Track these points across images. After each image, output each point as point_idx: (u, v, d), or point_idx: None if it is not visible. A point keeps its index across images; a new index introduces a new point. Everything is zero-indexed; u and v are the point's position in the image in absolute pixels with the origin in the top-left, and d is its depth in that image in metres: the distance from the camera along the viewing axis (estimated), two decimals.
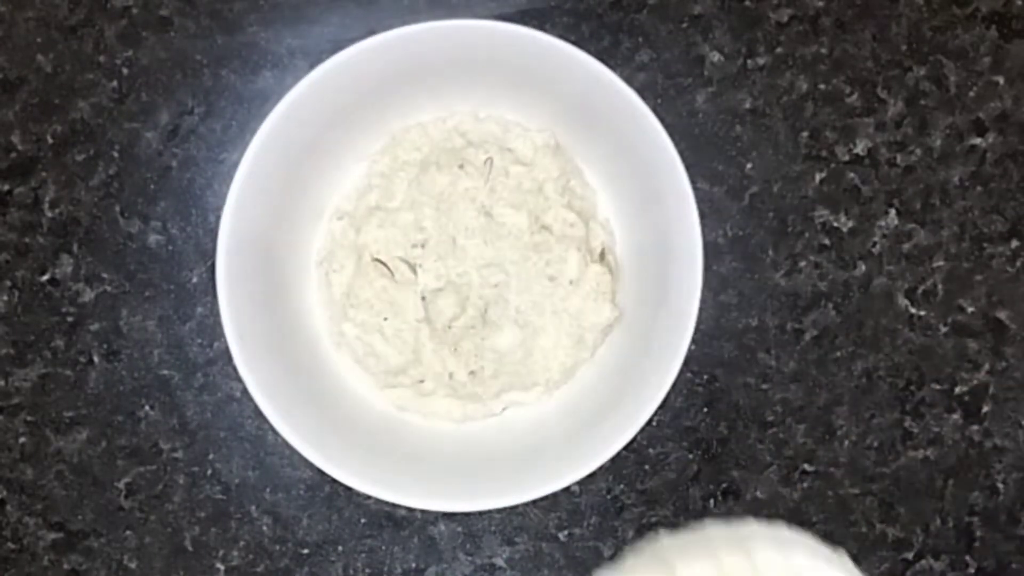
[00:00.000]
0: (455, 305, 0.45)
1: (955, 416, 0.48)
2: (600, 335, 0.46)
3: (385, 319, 0.45)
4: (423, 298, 0.45)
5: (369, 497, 0.44)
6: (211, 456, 0.48)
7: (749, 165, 0.48)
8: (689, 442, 0.48)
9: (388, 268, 0.45)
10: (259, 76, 0.49)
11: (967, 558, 0.48)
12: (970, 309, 0.49)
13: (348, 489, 0.43)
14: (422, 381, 0.46)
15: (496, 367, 0.46)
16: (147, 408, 0.48)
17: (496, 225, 0.45)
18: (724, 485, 0.48)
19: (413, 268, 0.45)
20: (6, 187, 0.48)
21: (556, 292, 0.45)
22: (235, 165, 0.42)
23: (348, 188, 0.47)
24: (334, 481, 0.42)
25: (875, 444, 0.48)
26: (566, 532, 0.48)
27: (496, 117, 0.47)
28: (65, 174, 0.49)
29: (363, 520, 0.48)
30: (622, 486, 0.48)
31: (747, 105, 0.48)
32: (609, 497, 0.48)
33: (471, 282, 0.45)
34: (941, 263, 0.48)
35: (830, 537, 0.48)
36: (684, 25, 0.48)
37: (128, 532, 0.48)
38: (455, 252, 0.45)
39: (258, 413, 0.42)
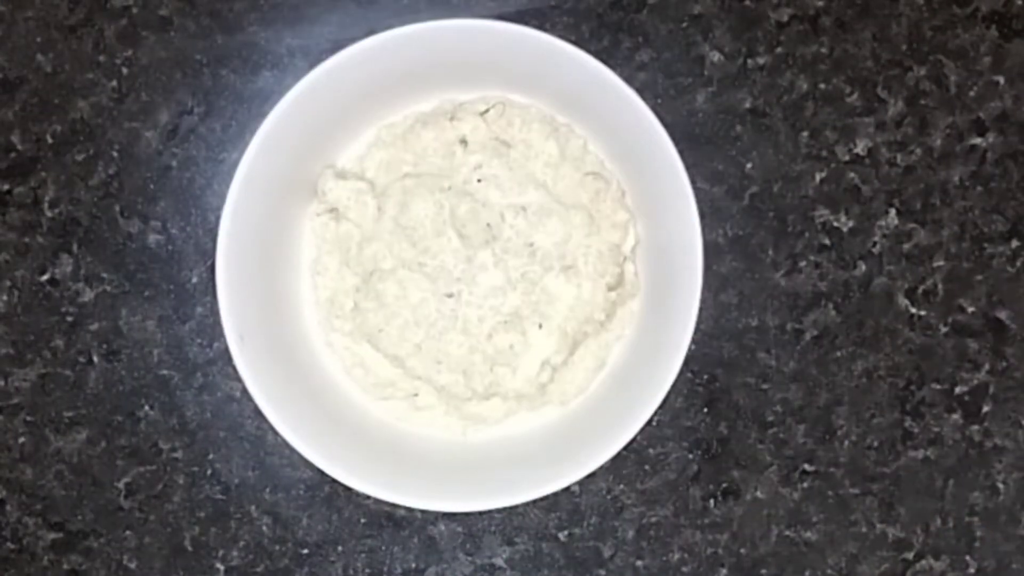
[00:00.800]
0: (456, 315, 0.44)
1: (955, 416, 0.48)
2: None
3: (380, 330, 0.45)
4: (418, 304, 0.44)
5: (369, 497, 0.44)
6: (211, 456, 0.48)
7: (749, 165, 0.48)
8: (689, 442, 0.48)
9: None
10: (259, 76, 0.49)
11: (967, 558, 0.48)
12: (970, 309, 0.49)
13: (348, 489, 0.43)
14: (416, 395, 0.46)
15: (506, 388, 0.45)
16: (147, 408, 0.48)
17: (503, 237, 0.44)
18: (724, 485, 0.48)
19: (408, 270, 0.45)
20: (6, 187, 0.48)
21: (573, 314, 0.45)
22: (235, 165, 0.42)
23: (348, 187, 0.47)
24: (334, 481, 0.42)
25: (875, 444, 0.48)
26: (566, 532, 0.48)
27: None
28: (65, 174, 0.49)
29: (363, 520, 0.48)
30: (622, 486, 0.48)
31: (747, 105, 0.48)
32: (609, 497, 0.48)
33: (475, 292, 0.44)
34: (941, 263, 0.48)
35: (830, 537, 0.48)
36: (684, 25, 0.48)
37: (128, 532, 0.48)
38: (454, 255, 0.45)
39: (258, 413, 0.42)
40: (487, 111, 0.45)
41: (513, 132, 0.45)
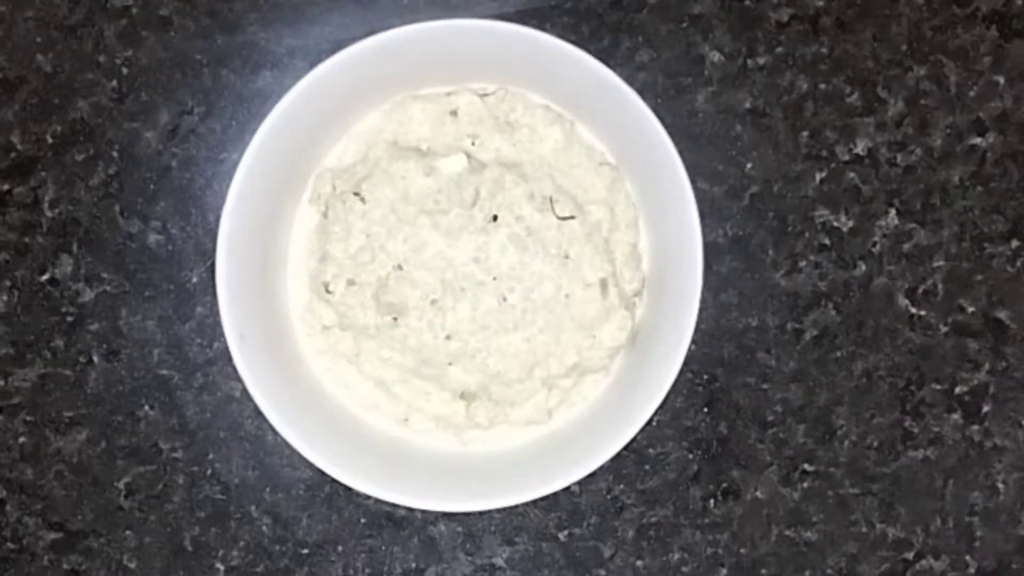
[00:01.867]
0: (436, 332, 0.43)
1: (955, 416, 0.48)
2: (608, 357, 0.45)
3: (357, 354, 0.44)
4: (394, 319, 0.43)
5: (369, 497, 0.44)
6: (211, 456, 0.48)
7: (749, 165, 0.48)
8: (689, 442, 0.48)
9: (328, 290, 0.43)
10: (259, 76, 0.49)
11: (967, 558, 0.48)
12: (970, 309, 0.49)
13: (348, 489, 0.43)
14: (406, 419, 0.45)
15: (494, 400, 0.44)
16: (147, 408, 0.48)
17: (493, 239, 0.43)
18: (724, 485, 0.48)
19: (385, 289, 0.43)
20: (6, 187, 0.48)
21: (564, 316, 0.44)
22: (235, 165, 0.42)
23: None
24: (334, 481, 0.42)
25: (875, 444, 0.48)
26: (566, 532, 0.48)
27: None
28: (65, 174, 0.49)
29: (363, 520, 0.48)
30: (622, 486, 0.48)
31: (747, 105, 0.48)
32: (609, 497, 0.48)
33: (459, 302, 0.43)
34: (941, 263, 0.48)
35: (830, 537, 0.48)
36: (684, 25, 0.48)
37: (128, 532, 0.48)
38: (441, 269, 0.43)
39: (258, 413, 0.42)
40: (487, 95, 0.45)
41: (516, 116, 0.45)
